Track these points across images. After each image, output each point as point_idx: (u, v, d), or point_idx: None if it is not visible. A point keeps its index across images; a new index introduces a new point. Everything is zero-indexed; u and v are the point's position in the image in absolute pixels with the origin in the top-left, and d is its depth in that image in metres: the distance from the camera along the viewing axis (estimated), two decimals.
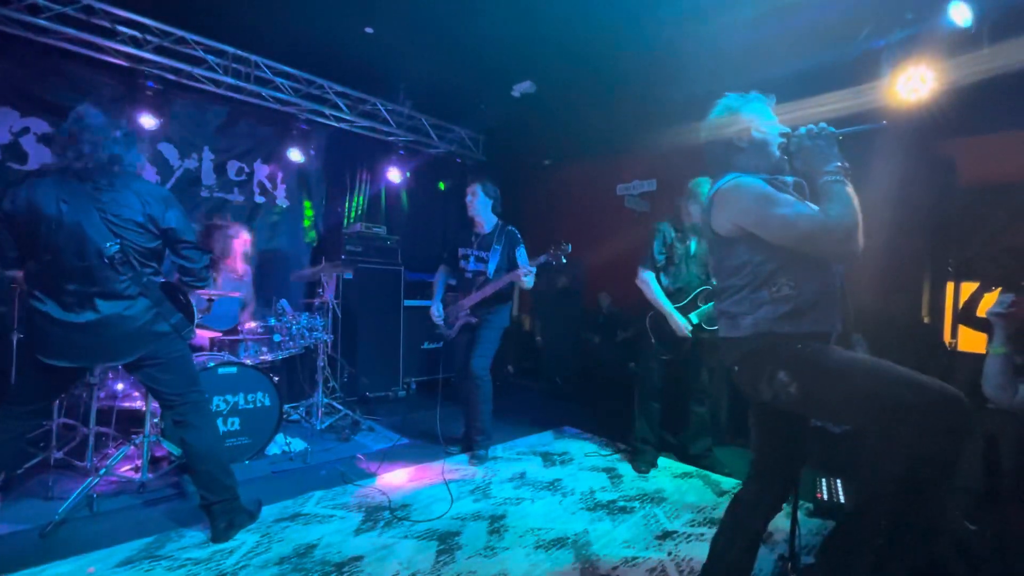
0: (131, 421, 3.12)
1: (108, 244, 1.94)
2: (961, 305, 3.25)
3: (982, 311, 2.68)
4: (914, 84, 2.78)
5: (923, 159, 3.39)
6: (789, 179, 1.65)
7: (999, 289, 2.15)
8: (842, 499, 2.71)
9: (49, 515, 2.26)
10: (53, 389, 2.16)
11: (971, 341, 3.44)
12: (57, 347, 1.97)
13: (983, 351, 2.50)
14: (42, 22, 3.32)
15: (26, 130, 3.58)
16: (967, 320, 2.87)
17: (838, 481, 2.83)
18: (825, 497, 2.72)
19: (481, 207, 3.34)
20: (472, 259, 3.36)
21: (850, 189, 1.46)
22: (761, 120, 1.67)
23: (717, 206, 1.60)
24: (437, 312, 3.44)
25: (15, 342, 2.98)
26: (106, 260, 1.95)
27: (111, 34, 3.57)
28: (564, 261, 3.14)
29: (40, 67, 3.60)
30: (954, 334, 3.64)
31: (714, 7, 3.01)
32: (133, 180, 2.05)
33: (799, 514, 2.03)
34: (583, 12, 3.39)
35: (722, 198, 1.59)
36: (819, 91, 3.12)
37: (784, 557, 2.08)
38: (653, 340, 3.14)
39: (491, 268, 3.30)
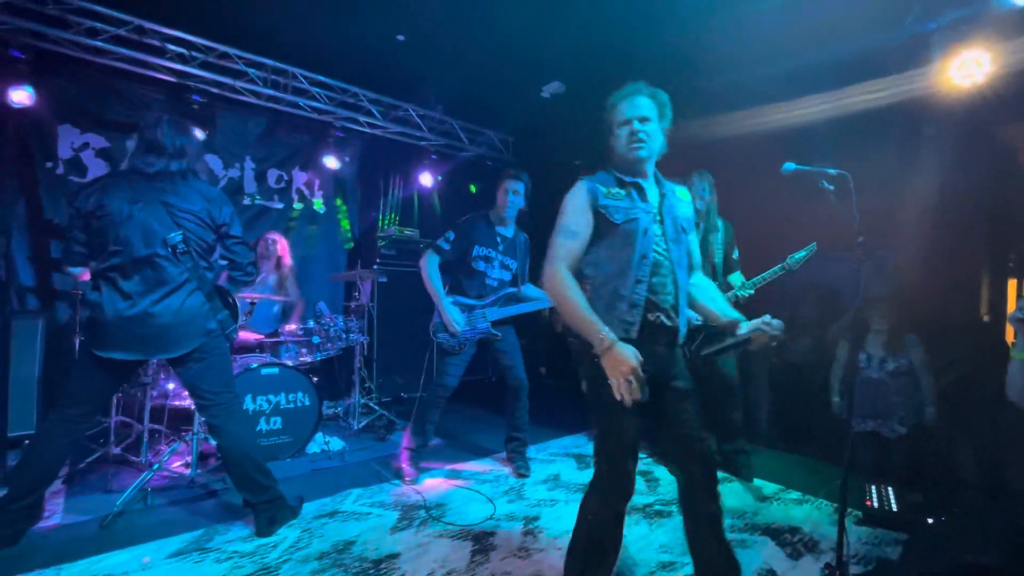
0: (181, 419, 3.27)
1: (172, 235, 2.13)
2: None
3: None
4: (968, 68, 2.62)
5: (979, 148, 3.18)
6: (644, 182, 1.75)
7: None
8: (894, 507, 2.58)
9: (108, 507, 2.40)
10: (105, 388, 2.27)
11: None
12: (114, 339, 2.10)
13: None
14: (99, 43, 3.53)
15: (86, 145, 3.82)
16: None
17: (889, 488, 2.70)
18: (876, 504, 2.60)
19: (515, 208, 3.06)
20: (497, 264, 3.06)
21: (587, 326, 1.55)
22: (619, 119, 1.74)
23: None
24: (459, 321, 2.93)
25: (77, 345, 3.19)
26: (169, 248, 2.12)
27: (160, 52, 3.77)
28: None
29: (96, 86, 3.84)
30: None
31: None
32: (195, 181, 2.27)
33: (847, 522, 1.95)
34: (610, 8, 3.35)
35: None
36: (862, 79, 2.99)
37: (831, 566, 1.99)
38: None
39: (519, 278, 3.14)
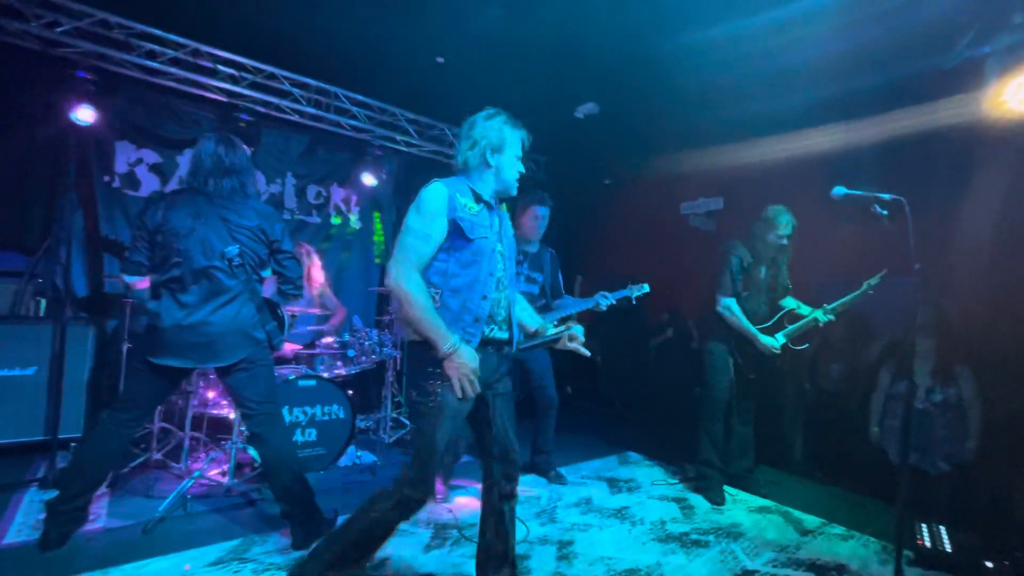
0: (219, 428, 3.34)
1: (229, 248, 2.22)
2: None
3: None
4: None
5: None
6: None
7: None
8: (947, 547, 2.45)
9: (150, 512, 2.47)
10: (157, 395, 2.35)
11: None
12: (169, 347, 2.17)
13: None
14: (157, 65, 3.72)
15: (140, 161, 4.01)
16: None
17: (942, 528, 2.57)
18: (928, 544, 2.48)
19: (543, 227, 3.26)
20: (522, 279, 3.19)
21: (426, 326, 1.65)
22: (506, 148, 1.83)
23: None
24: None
25: (125, 352, 3.30)
26: (226, 261, 2.21)
27: (212, 73, 3.95)
28: (634, 302, 3.09)
29: (152, 104, 4.03)
30: None
31: (791, 21, 2.91)
32: (250, 199, 2.36)
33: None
34: (649, 32, 3.37)
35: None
36: (912, 104, 2.93)
37: None
38: (732, 362, 3.09)
39: (548, 291, 3.24)
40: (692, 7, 3.00)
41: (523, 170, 1.89)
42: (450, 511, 2.76)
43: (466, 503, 2.89)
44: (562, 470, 3.37)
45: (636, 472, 3.56)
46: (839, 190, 2.10)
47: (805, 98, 3.46)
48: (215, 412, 3.26)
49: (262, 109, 4.25)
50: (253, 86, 4.11)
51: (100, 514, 2.50)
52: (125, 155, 3.94)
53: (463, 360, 1.64)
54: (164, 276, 2.19)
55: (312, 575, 1.77)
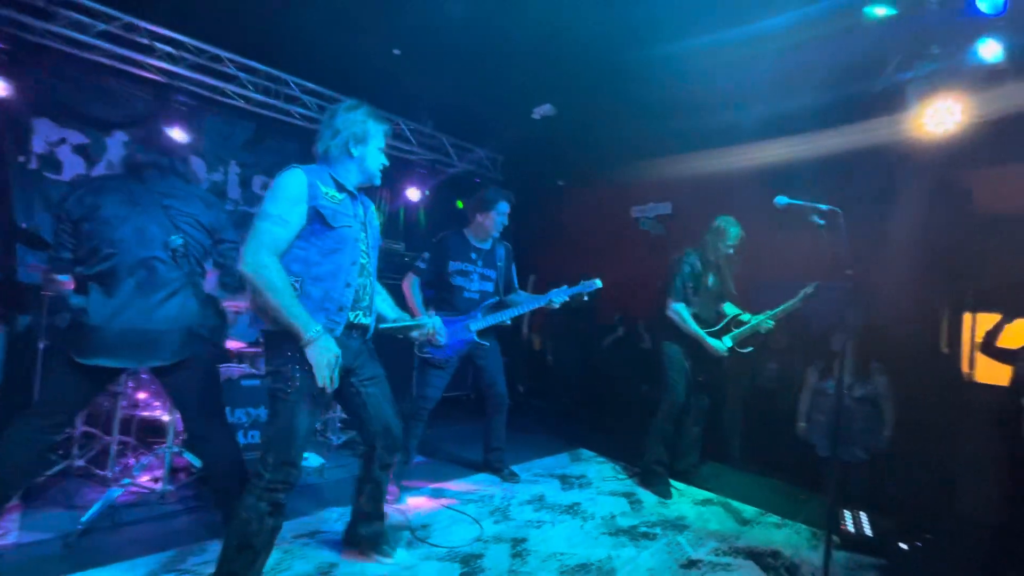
0: (150, 431, 3.12)
1: (172, 237, 2.07)
2: (982, 335, 3.23)
3: (1004, 341, 2.68)
4: (940, 117, 2.82)
5: (945, 191, 3.40)
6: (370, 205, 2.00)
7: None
8: (868, 532, 2.67)
9: (71, 524, 2.26)
10: (80, 398, 2.15)
11: (989, 372, 3.41)
12: (101, 346, 1.98)
13: (1001, 382, 2.49)
14: (84, 38, 3.41)
15: (63, 141, 3.66)
16: (989, 350, 2.85)
17: (863, 514, 2.79)
18: (852, 530, 2.68)
19: (501, 228, 3.17)
20: (476, 277, 3.11)
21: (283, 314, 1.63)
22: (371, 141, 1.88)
23: None
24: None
25: (41, 350, 3.01)
26: (169, 252, 2.06)
27: (149, 51, 3.67)
28: (587, 298, 3.02)
29: (79, 81, 3.70)
30: (971, 365, 3.60)
31: (739, 41, 3.07)
32: (190, 184, 2.23)
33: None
34: (606, 38, 3.45)
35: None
36: (842, 123, 3.16)
37: None
38: (688, 364, 3.20)
39: (502, 287, 3.20)
40: (654, 22, 3.10)
41: (386, 162, 1.92)
42: (402, 512, 2.71)
43: (418, 504, 2.85)
44: (515, 468, 3.39)
45: (587, 468, 3.64)
46: (782, 199, 2.23)
47: (750, 113, 3.66)
48: (146, 414, 3.04)
49: (205, 92, 4.00)
50: (195, 67, 3.86)
51: (11, 528, 2.27)
52: (45, 134, 3.60)
53: (326, 348, 1.63)
54: (93, 269, 2.00)
55: None
